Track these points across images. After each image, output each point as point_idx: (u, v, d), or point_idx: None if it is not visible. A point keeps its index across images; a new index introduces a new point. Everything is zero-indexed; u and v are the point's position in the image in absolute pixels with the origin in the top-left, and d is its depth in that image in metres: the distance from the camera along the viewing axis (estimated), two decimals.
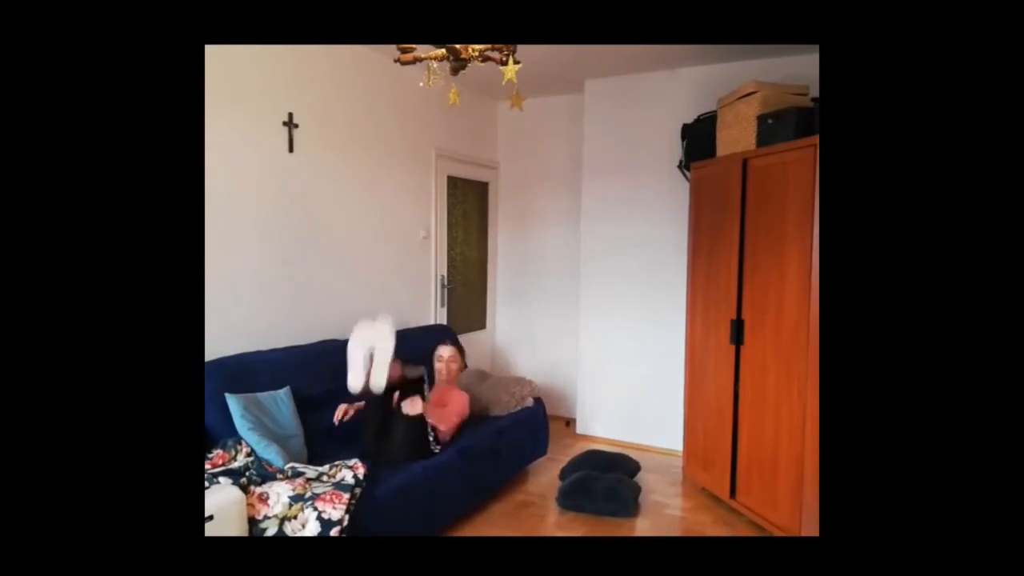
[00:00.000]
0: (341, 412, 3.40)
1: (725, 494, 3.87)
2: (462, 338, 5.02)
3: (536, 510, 3.91)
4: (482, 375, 4.47)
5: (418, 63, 2.32)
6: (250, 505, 2.59)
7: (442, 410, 3.69)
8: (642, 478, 4.30)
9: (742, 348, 3.68)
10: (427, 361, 4.08)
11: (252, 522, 2.57)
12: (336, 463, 2.97)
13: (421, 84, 2.42)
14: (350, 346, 3.34)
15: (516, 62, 2.23)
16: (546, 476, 4.38)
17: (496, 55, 2.26)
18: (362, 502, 2.78)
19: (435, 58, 2.27)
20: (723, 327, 3.82)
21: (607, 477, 3.93)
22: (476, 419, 4.03)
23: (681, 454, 4.52)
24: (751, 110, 3.66)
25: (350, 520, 2.63)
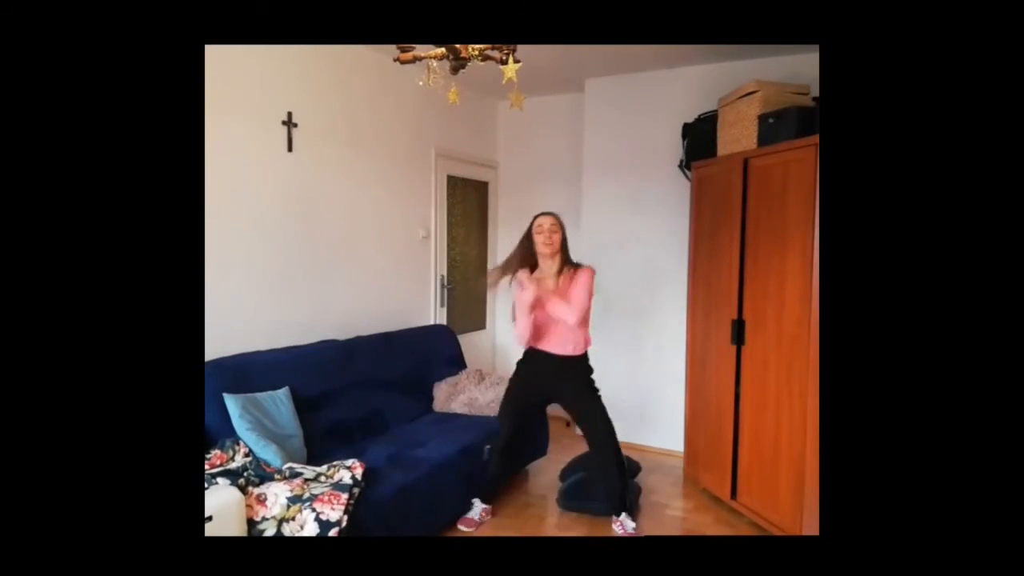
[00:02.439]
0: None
1: (726, 494, 3.87)
2: (462, 339, 5.03)
3: (536, 511, 3.92)
4: (481, 375, 4.47)
5: (418, 62, 2.33)
6: (248, 506, 2.60)
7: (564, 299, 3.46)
8: (642, 479, 4.31)
9: (743, 348, 3.69)
10: None
11: (250, 523, 2.57)
12: (334, 463, 2.98)
13: (421, 83, 2.43)
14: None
15: (516, 61, 2.24)
16: (546, 477, 4.39)
17: (496, 54, 2.27)
18: (360, 503, 2.79)
19: (435, 57, 2.28)
20: (724, 327, 3.82)
21: None
22: (475, 419, 4.04)
23: (682, 455, 4.54)
24: (752, 109, 3.66)
25: (349, 521, 2.64)
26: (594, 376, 3.61)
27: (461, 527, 3.60)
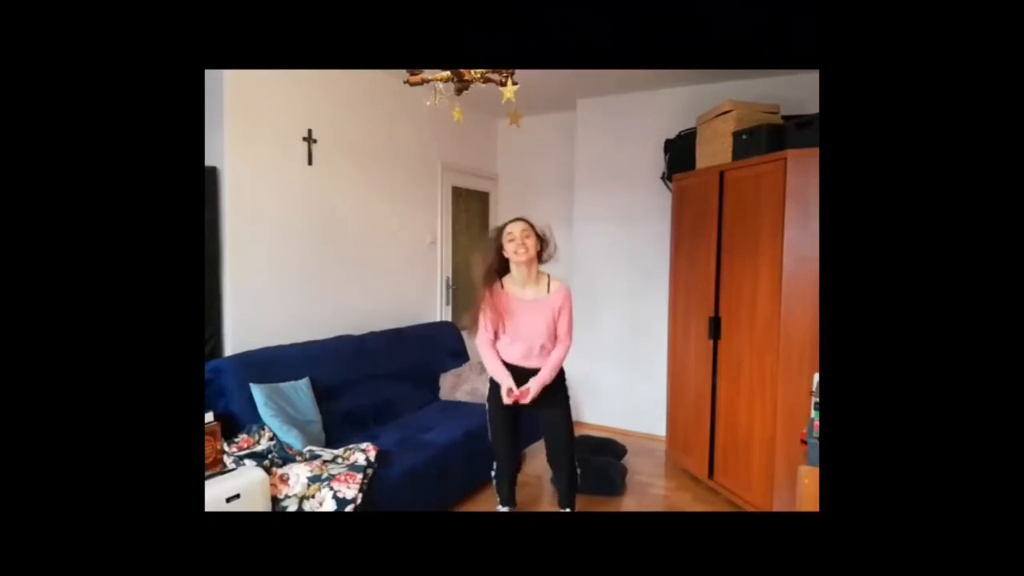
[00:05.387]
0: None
1: (704, 475, 3.88)
2: (464, 334, 5.02)
3: (532, 490, 3.93)
4: (483, 367, 4.46)
5: (426, 84, 2.33)
6: (272, 485, 2.60)
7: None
8: (629, 460, 4.32)
9: (719, 343, 3.69)
10: None
11: (274, 500, 2.58)
12: (350, 447, 2.99)
13: (428, 103, 2.43)
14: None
15: (514, 83, 2.24)
16: (541, 459, 4.36)
17: (496, 77, 2.28)
18: (374, 482, 2.80)
19: (441, 80, 2.29)
20: (702, 324, 3.83)
21: (597, 460, 3.95)
22: (477, 406, 4.04)
23: (664, 439, 4.54)
24: (727, 127, 3.67)
25: (363, 498, 2.65)
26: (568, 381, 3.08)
27: None
